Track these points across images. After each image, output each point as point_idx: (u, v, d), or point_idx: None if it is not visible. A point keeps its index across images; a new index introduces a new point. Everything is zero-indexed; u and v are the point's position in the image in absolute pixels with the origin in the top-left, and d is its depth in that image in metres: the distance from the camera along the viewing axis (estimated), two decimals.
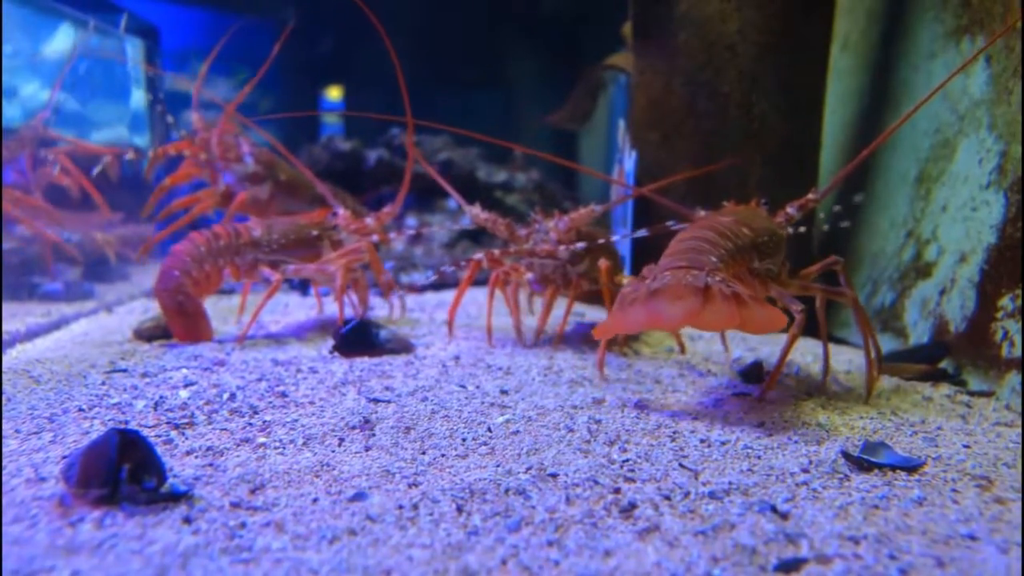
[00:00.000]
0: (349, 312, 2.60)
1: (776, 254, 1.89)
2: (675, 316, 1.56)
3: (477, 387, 1.81)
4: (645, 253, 2.92)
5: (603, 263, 2.26)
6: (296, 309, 2.99)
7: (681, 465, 1.33)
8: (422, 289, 3.66)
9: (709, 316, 1.54)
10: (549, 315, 2.34)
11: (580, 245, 2.28)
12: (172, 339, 2.35)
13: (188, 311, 2.32)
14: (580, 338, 2.47)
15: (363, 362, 2.03)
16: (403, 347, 2.19)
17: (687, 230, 1.84)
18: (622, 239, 2.74)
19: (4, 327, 2.38)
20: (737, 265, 1.77)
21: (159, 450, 1.29)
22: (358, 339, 2.14)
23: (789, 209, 1.98)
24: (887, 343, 2.30)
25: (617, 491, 1.21)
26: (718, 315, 1.53)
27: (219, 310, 2.87)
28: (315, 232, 2.63)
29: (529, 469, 1.29)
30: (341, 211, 2.69)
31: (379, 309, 2.97)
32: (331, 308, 3.02)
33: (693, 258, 1.66)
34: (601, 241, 2.30)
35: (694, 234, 1.77)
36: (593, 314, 3.05)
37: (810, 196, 1.96)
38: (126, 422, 1.51)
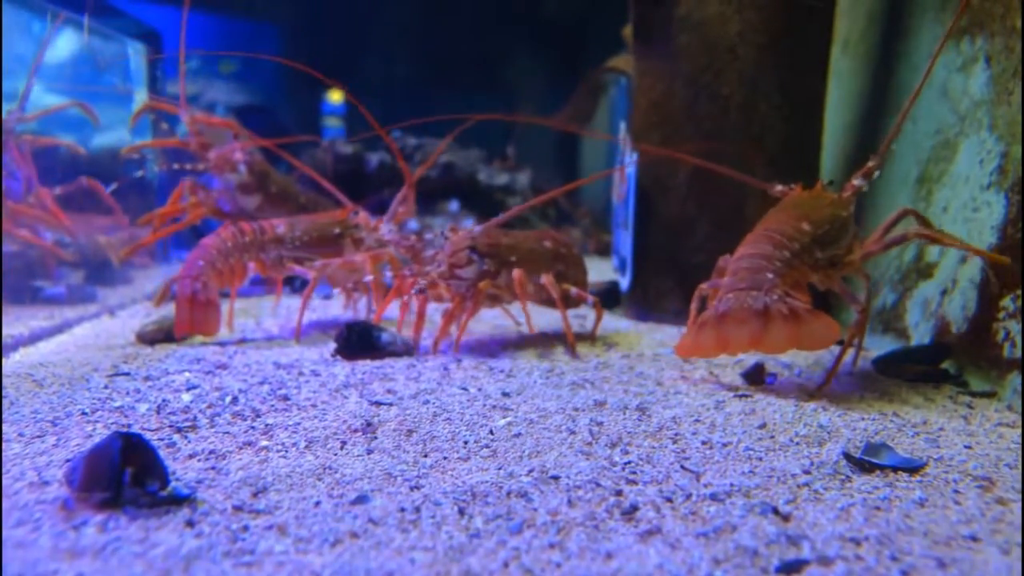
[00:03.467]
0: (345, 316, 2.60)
1: (841, 238, 1.95)
2: (741, 340, 1.75)
3: (479, 389, 1.81)
4: (647, 253, 2.93)
5: (516, 274, 2.22)
6: (297, 312, 3.00)
7: (683, 467, 1.33)
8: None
9: (771, 338, 1.71)
10: (465, 323, 2.26)
11: (467, 269, 2.22)
12: (174, 341, 2.35)
13: (199, 300, 2.35)
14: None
15: (365, 365, 2.03)
16: (405, 349, 2.19)
17: (747, 242, 1.93)
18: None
19: (8, 331, 2.39)
20: (798, 269, 1.85)
21: (162, 453, 1.30)
22: (360, 342, 2.14)
23: (855, 181, 2.04)
24: (888, 344, 2.29)
25: (619, 493, 1.21)
26: (779, 336, 1.71)
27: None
28: (337, 230, 2.66)
29: (531, 471, 1.29)
30: (361, 211, 2.71)
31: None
32: (332, 311, 3.03)
33: (751, 278, 1.80)
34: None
35: (752, 250, 1.88)
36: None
37: (870, 163, 2.01)
38: (129, 425, 1.52)
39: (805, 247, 1.87)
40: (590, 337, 2.52)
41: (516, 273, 2.23)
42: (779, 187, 2.13)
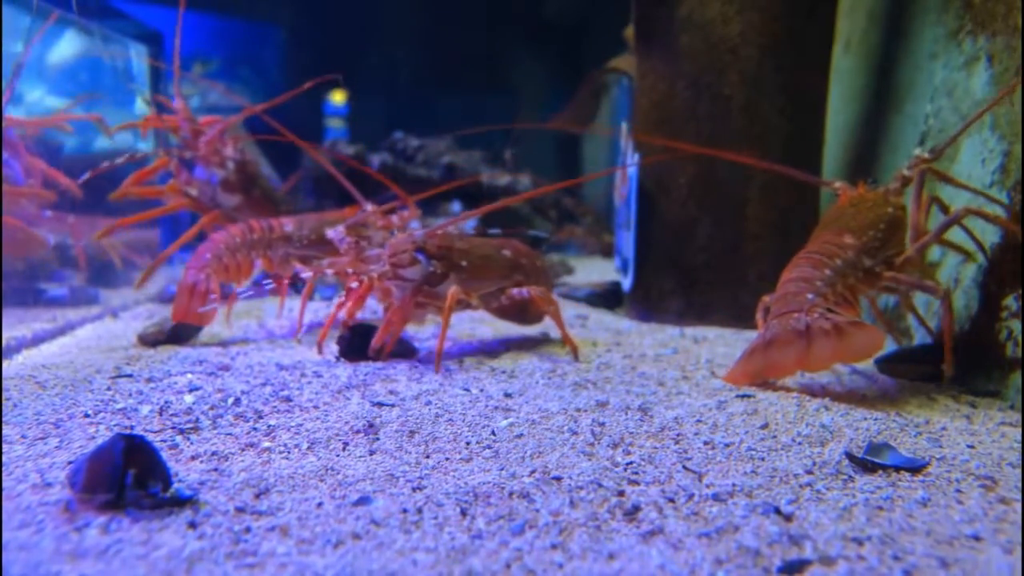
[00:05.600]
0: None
1: (893, 236, 1.95)
2: (787, 362, 1.78)
3: (481, 391, 1.81)
4: (649, 253, 2.93)
5: (454, 291, 2.07)
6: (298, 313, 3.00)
7: (685, 467, 1.33)
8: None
9: (815, 356, 1.73)
10: (398, 330, 2.12)
11: (412, 270, 2.08)
12: (176, 343, 2.36)
13: (199, 290, 2.40)
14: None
15: (367, 366, 2.03)
16: (407, 351, 2.19)
17: (788, 267, 1.95)
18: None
19: (11, 333, 2.39)
20: (843, 284, 1.87)
21: (164, 455, 1.30)
22: (363, 344, 2.13)
23: (905, 171, 2.04)
24: (891, 344, 2.29)
25: (621, 494, 1.21)
26: (823, 353, 1.73)
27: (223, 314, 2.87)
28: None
29: (533, 472, 1.29)
30: (370, 207, 2.71)
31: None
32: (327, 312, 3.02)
33: (793, 301, 1.83)
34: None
35: (792, 274, 1.91)
36: (596, 315, 3.05)
37: (925, 155, 2.02)
38: (131, 427, 1.52)
39: (849, 261, 1.88)
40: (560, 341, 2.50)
41: (452, 290, 2.08)
42: (838, 183, 2.14)
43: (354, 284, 2.10)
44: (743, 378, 1.90)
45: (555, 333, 2.56)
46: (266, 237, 2.59)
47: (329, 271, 2.31)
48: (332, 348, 2.21)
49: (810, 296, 1.82)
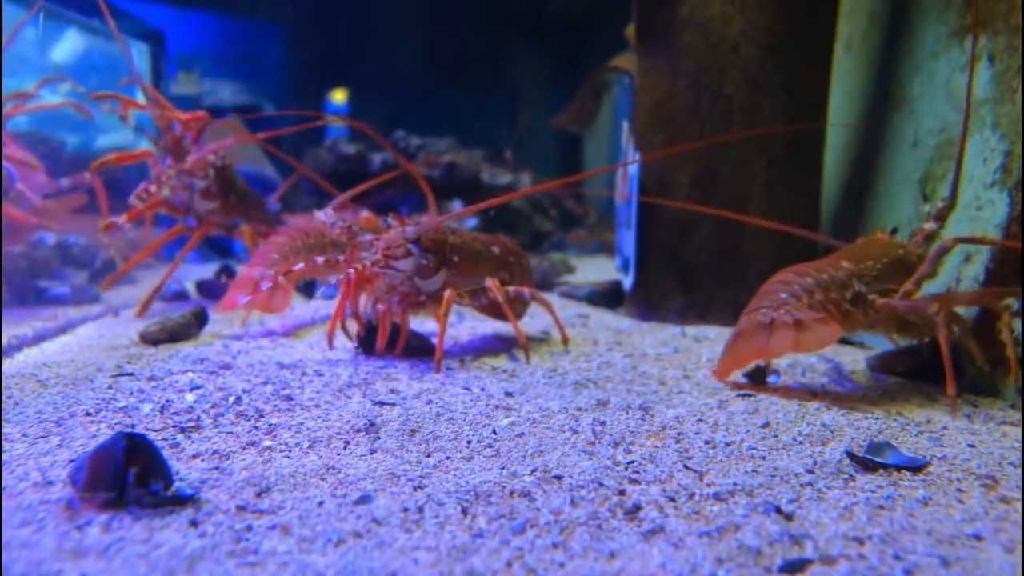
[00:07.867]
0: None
1: (896, 273, 1.99)
2: (750, 353, 1.87)
3: (482, 389, 1.81)
4: (650, 253, 2.92)
5: (449, 295, 2.06)
6: (302, 312, 3.00)
7: (686, 467, 1.33)
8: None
9: (774, 345, 1.81)
10: (388, 327, 2.11)
11: (405, 262, 2.08)
12: (177, 342, 2.36)
13: (272, 283, 2.45)
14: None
15: (368, 365, 2.03)
16: (425, 348, 2.20)
17: (773, 277, 2.02)
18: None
19: (12, 331, 2.39)
20: (825, 294, 1.89)
21: (165, 454, 1.30)
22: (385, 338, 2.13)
23: (927, 225, 2.08)
24: (890, 345, 2.29)
25: (622, 493, 1.21)
26: (781, 343, 1.80)
27: (228, 316, 2.87)
28: (370, 237, 2.75)
29: (534, 471, 1.30)
30: (365, 213, 2.75)
31: None
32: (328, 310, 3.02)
33: (765, 299, 1.92)
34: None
35: (774, 278, 1.98)
36: (597, 314, 3.05)
37: (941, 204, 2.07)
38: (133, 426, 1.52)
39: (836, 279, 1.91)
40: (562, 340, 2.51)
41: (447, 294, 2.06)
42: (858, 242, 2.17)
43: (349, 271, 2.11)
44: (722, 373, 1.96)
45: (556, 333, 2.56)
46: (318, 243, 2.72)
47: (319, 260, 2.33)
48: (345, 343, 2.21)
49: (783, 295, 1.88)
